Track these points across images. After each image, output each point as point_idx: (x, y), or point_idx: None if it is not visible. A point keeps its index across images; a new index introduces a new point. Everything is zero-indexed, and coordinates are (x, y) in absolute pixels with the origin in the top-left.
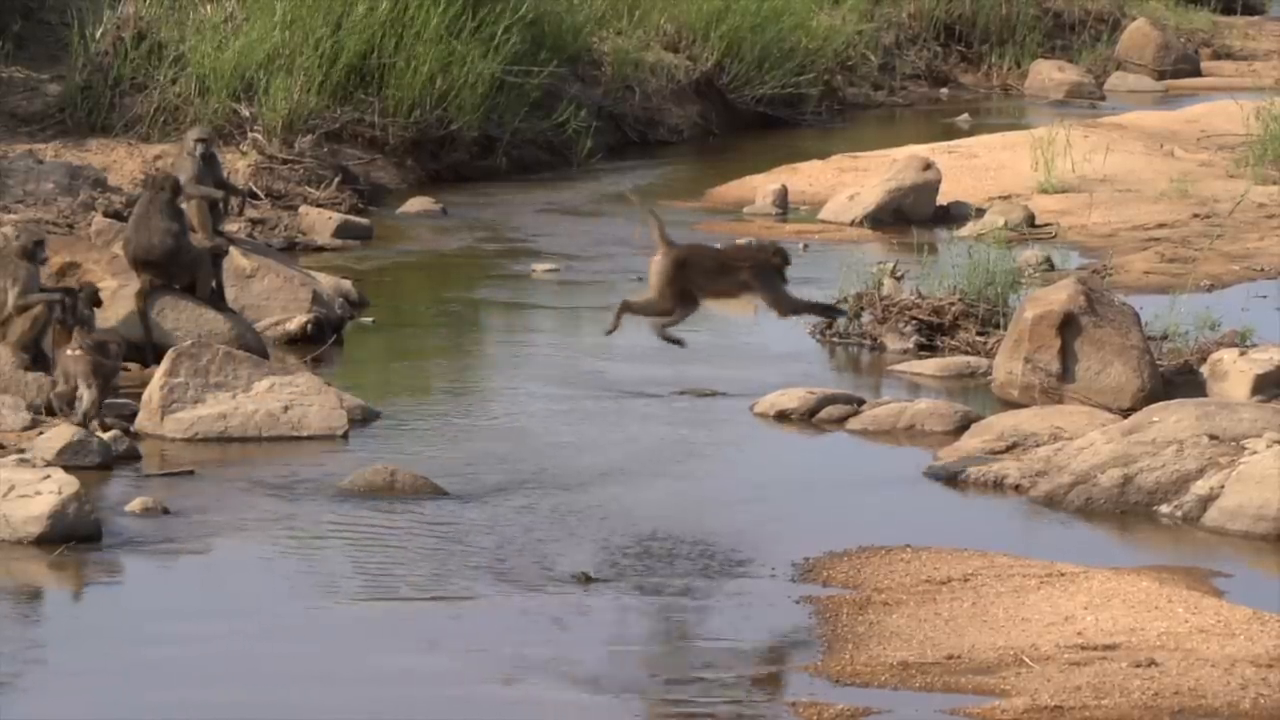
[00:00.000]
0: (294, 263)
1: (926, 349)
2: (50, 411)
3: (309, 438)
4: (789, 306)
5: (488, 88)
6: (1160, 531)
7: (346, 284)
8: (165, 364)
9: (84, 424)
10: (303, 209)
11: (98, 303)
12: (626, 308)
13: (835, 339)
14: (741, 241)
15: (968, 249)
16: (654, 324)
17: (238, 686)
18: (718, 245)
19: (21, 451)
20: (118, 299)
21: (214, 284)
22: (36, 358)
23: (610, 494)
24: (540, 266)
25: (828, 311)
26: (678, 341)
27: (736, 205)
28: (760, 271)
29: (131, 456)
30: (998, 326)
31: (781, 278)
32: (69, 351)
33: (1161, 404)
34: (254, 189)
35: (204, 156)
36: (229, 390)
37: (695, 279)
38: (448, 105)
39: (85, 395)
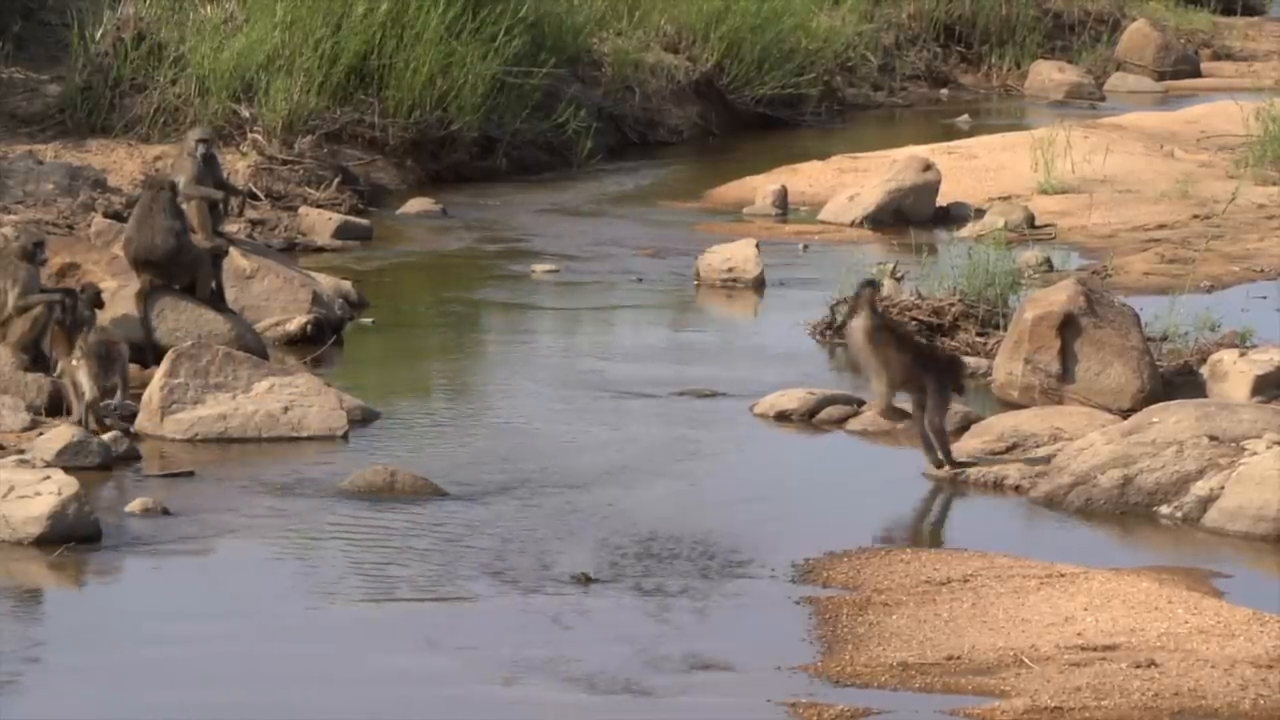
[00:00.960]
0: (294, 263)
1: None
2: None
3: (309, 438)
4: (937, 424)
5: (488, 88)
6: (1160, 532)
7: (346, 285)
8: (165, 365)
9: (83, 422)
10: (302, 210)
11: (99, 304)
12: (888, 407)
13: (835, 340)
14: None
15: (967, 250)
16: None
17: (237, 687)
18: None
19: (21, 452)
20: (118, 299)
21: (214, 285)
22: (36, 358)
23: (610, 494)
24: (540, 267)
25: (947, 456)
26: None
27: (736, 206)
28: (945, 382)
29: (131, 457)
30: (997, 327)
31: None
32: (73, 362)
33: (1161, 405)
34: (254, 190)
35: (204, 157)
36: (229, 391)
37: (895, 351)
38: (448, 106)
39: (88, 392)
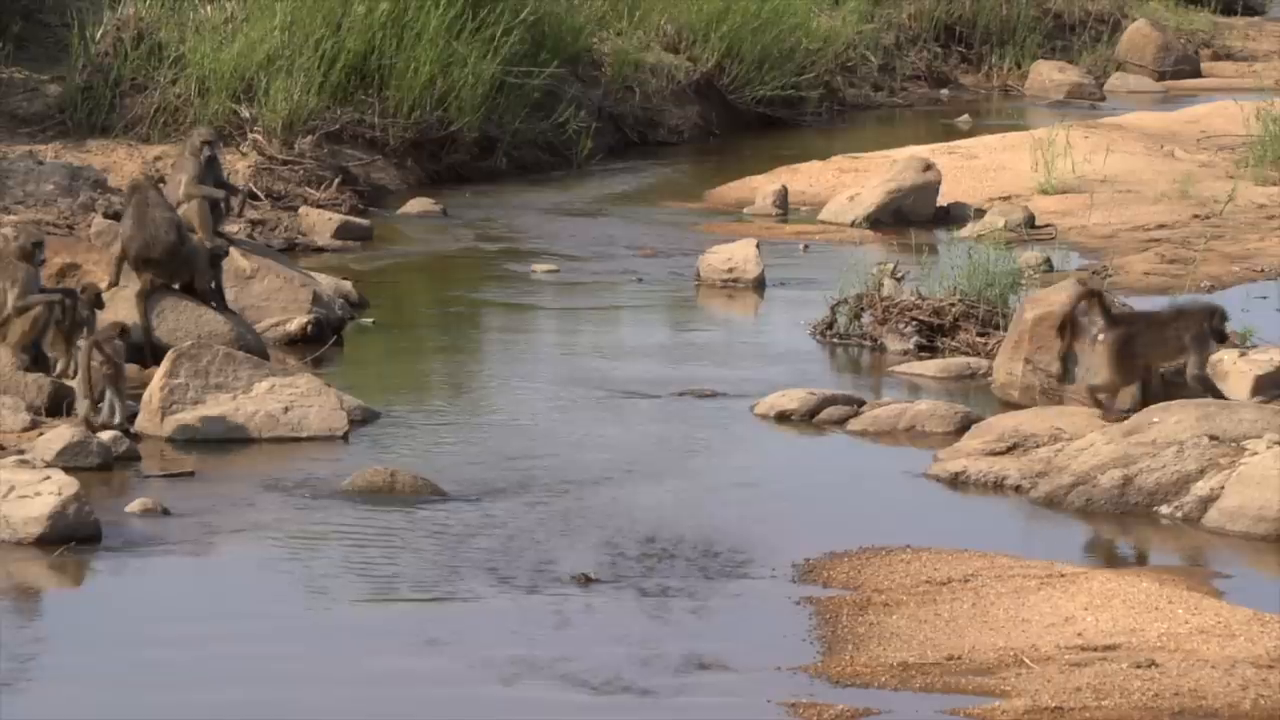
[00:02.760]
0: (294, 264)
1: (927, 350)
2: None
3: (309, 439)
4: (1202, 380)
5: (488, 88)
6: (1160, 532)
7: (346, 285)
8: (165, 365)
9: (108, 427)
10: (303, 210)
11: (99, 304)
12: (1097, 400)
13: (835, 340)
14: (1184, 300)
15: (967, 250)
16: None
17: (237, 687)
18: (1157, 309)
19: (21, 452)
20: (118, 299)
21: (214, 284)
22: (36, 358)
23: (610, 494)
24: (540, 266)
25: (1217, 394)
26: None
27: (736, 206)
28: (1202, 335)
29: (131, 457)
30: (998, 327)
31: (1219, 338)
32: (94, 363)
33: (1162, 405)
34: (254, 190)
35: (207, 158)
36: (229, 391)
37: (1141, 351)
38: (448, 106)
39: (118, 407)
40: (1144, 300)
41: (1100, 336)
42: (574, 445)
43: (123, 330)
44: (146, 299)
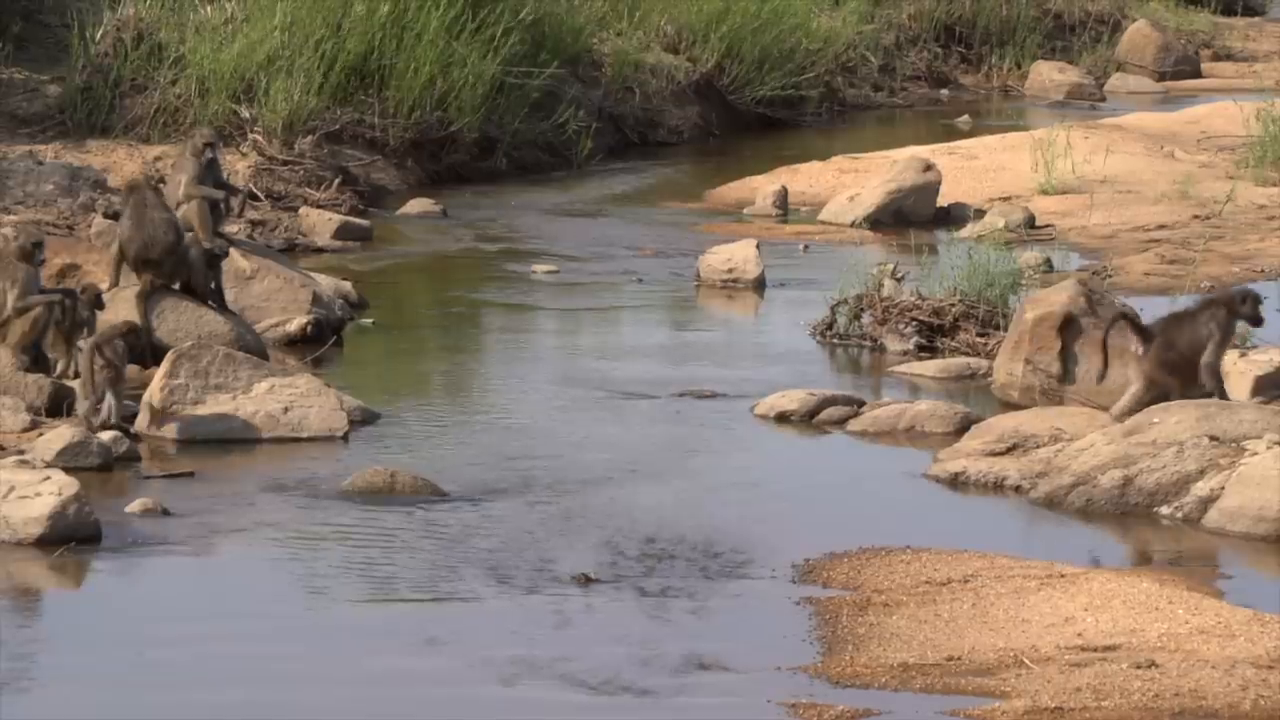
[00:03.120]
0: (294, 264)
1: (926, 350)
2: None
3: (309, 439)
4: (1213, 370)
5: (488, 89)
6: (1160, 533)
7: (346, 285)
8: (165, 365)
9: (105, 428)
10: (303, 210)
11: (99, 304)
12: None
13: (835, 340)
14: (1209, 290)
15: (967, 250)
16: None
17: (237, 687)
18: (1182, 306)
19: (21, 453)
20: (118, 299)
21: (214, 285)
22: (37, 359)
23: (610, 494)
24: (540, 267)
25: (1221, 388)
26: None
27: (737, 206)
28: (1225, 322)
29: (131, 457)
30: (998, 328)
31: (1255, 321)
32: (96, 365)
33: (1162, 405)
34: (254, 190)
35: (208, 159)
36: (229, 392)
37: (1184, 351)
38: (448, 106)
39: (114, 407)
40: (1144, 300)
41: (1142, 354)
42: (574, 445)
43: (132, 330)
44: (146, 299)
